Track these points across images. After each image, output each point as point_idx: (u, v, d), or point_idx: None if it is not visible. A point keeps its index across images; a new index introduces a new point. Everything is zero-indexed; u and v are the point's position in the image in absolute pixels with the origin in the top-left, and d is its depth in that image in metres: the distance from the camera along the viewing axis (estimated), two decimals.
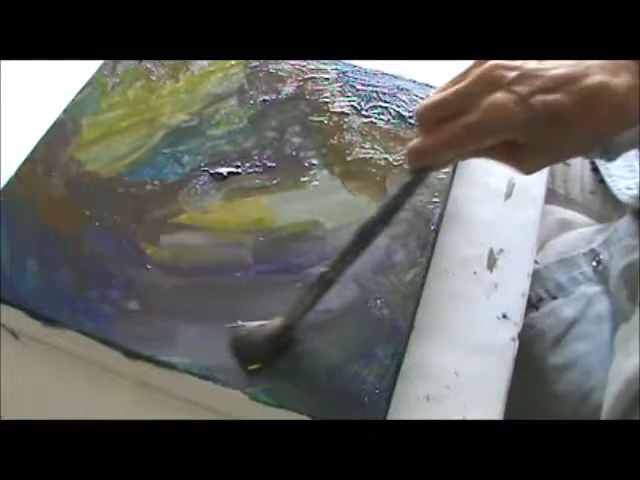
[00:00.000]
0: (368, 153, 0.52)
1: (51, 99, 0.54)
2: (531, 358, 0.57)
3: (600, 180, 0.70)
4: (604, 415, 0.48)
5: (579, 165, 0.73)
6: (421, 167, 0.39)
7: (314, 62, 0.57)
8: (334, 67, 0.57)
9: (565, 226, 0.64)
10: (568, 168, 0.72)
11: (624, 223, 0.60)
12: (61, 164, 0.50)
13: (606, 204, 0.69)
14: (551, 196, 0.69)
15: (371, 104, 0.55)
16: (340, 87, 0.56)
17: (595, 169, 0.71)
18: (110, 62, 0.56)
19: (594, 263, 0.59)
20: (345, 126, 0.53)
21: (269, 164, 0.51)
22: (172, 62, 0.56)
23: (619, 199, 0.66)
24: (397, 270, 0.46)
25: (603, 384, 0.52)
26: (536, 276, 0.57)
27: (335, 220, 0.48)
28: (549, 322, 0.57)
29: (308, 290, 0.42)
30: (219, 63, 0.56)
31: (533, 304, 0.59)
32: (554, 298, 0.59)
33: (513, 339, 0.47)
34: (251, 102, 0.54)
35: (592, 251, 0.60)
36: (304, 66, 0.57)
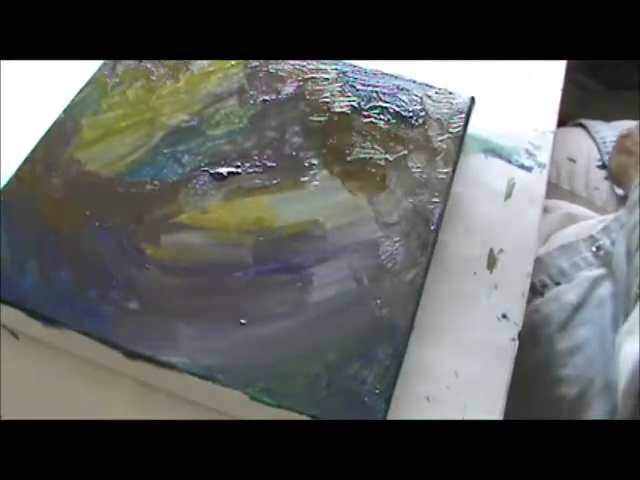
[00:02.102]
0: (368, 153, 0.52)
1: (51, 99, 0.53)
2: (539, 342, 0.58)
3: (605, 177, 0.71)
4: (620, 394, 0.48)
5: (584, 161, 0.73)
6: None
7: (314, 62, 0.57)
8: (334, 67, 0.57)
9: (570, 220, 0.65)
10: (574, 164, 0.73)
11: (625, 211, 0.61)
12: (61, 164, 0.49)
13: (610, 199, 0.70)
14: (557, 191, 0.70)
15: (371, 104, 0.55)
16: (340, 87, 0.56)
17: (601, 166, 0.72)
18: (110, 62, 0.55)
19: (594, 248, 0.60)
20: (345, 126, 0.53)
21: (269, 164, 0.51)
22: (172, 62, 0.56)
23: (621, 195, 0.67)
24: (397, 270, 0.46)
25: (607, 365, 0.52)
26: (539, 263, 0.57)
27: (335, 220, 0.48)
28: (554, 307, 0.59)
29: None
30: (219, 63, 0.56)
31: (538, 291, 0.60)
32: (557, 284, 0.60)
33: (513, 339, 0.47)
34: (251, 102, 0.54)
35: (591, 237, 0.61)
36: (304, 66, 0.57)
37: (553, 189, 0.69)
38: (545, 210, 0.65)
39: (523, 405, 0.54)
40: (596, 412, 0.54)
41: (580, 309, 0.57)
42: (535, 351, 0.57)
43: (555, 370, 0.57)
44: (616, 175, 0.57)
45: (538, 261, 0.53)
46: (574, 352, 0.56)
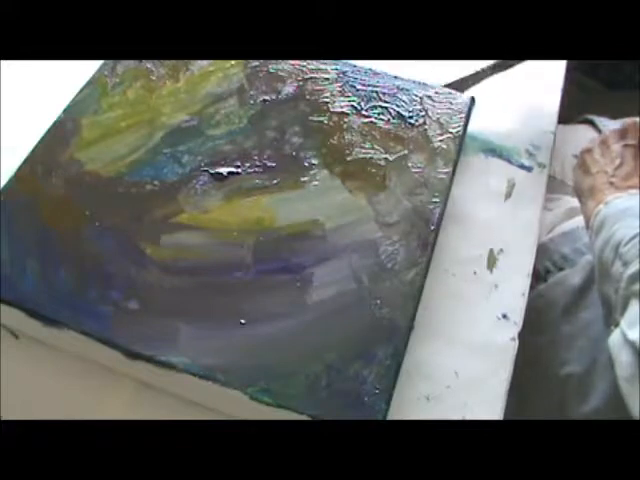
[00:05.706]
0: (368, 153, 0.52)
1: (51, 99, 0.54)
2: (544, 326, 0.58)
3: None
4: (621, 381, 0.48)
5: None
6: None
7: (314, 62, 0.57)
8: (334, 67, 0.57)
9: (573, 213, 0.66)
10: None
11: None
12: (61, 164, 0.49)
13: None
14: (562, 187, 0.70)
15: (371, 104, 0.55)
16: (340, 87, 0.56)
17: None
18: (110, 62, 0.55)
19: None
20: (345, 126, 0.53)
21: (269, 164, 0.51)
22: (172, 62, 0.56)
23: None
24: (397, 270, 0.46)
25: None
26: (542, 250, 0.58)
27: (335, 220, 0.48)
28: (558, 291, 0.59)
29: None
30: (219, 63, 0.56)
31: (542, 277, 0.60)
32: (561, 269, 0.60)
33: (513, 339, 0.47)
34: (251, 102, 0.54)
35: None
36: (304, 66, 0.57)
37: (558, 185, 0.70)
38: (550, 204, 0.65)
39: (528, 386, 0.54)
40: (600, 389, 0.54)
41: (584, 292, 0.58)
42: (540, 335, 0.58)
43: (560, 352, 0.57)
44: (575, 191, 0.57)
45: (541, 248, 0.53)
46: (578, 335, 0.57)
